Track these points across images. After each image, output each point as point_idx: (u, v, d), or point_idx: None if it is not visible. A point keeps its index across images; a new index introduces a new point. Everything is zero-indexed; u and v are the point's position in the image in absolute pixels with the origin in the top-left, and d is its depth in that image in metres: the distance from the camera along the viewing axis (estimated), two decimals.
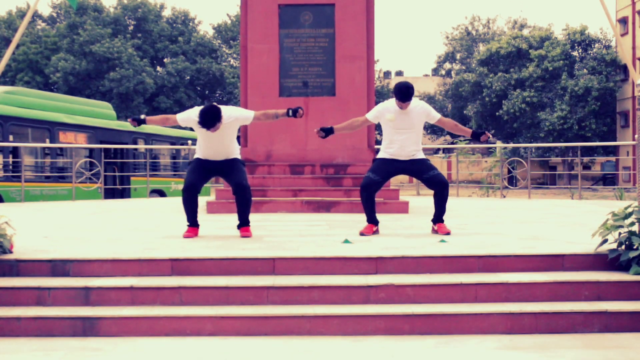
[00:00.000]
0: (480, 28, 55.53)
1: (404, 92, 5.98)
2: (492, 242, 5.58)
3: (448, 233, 6.15)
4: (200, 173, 6.16)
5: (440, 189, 6.25)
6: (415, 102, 6.16)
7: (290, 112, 5.99)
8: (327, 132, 6.23)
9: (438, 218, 6.36)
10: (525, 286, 4.59)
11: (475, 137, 6.28)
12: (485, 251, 4.97)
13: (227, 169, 6.19)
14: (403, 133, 6.17)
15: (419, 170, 6.30)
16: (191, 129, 6.78)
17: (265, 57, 9.74)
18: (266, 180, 9.39)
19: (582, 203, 12.06)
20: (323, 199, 9.07)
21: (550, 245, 5.37)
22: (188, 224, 6.19)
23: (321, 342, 4.17)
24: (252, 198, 6.25)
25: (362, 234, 6.19)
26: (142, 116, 6.18)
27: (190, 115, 5.95)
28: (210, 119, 5.69)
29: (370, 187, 6.23)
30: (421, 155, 6.31)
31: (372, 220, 6.31)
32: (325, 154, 9.70)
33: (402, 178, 29.47)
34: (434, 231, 6.33)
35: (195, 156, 6.22)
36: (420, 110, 6.20)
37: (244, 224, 6.20)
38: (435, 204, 6.35)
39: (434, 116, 6.24)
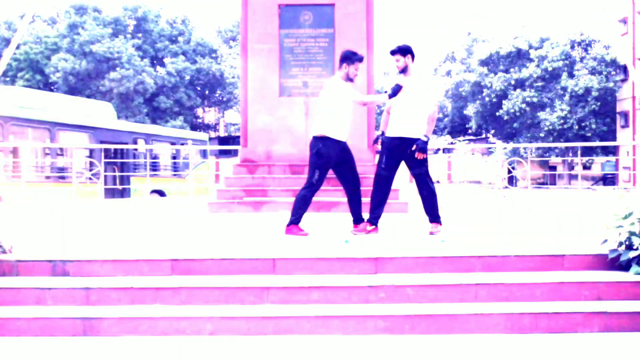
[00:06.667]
0: (480, 27, 55.50)
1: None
2: (492, 242, 5.58)
3: (432, 233, 6.11)
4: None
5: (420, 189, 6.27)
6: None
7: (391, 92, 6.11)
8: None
9: (430, 218, 6.34)
10: (525, 286, 4.59)
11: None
12: (485, 251, 4.97)
13: None
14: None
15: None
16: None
17: (265, 57, 9.72)
18: (266, 180, 9.38)
19: (582, 203, 12.05)
20: (323, 199, 9.06)
21: (550, 245, 5.37)
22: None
23: (321, 342, 4.17)
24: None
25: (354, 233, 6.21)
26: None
27: None
28: None
29: None
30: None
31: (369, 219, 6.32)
32: None
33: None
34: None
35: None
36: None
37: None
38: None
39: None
